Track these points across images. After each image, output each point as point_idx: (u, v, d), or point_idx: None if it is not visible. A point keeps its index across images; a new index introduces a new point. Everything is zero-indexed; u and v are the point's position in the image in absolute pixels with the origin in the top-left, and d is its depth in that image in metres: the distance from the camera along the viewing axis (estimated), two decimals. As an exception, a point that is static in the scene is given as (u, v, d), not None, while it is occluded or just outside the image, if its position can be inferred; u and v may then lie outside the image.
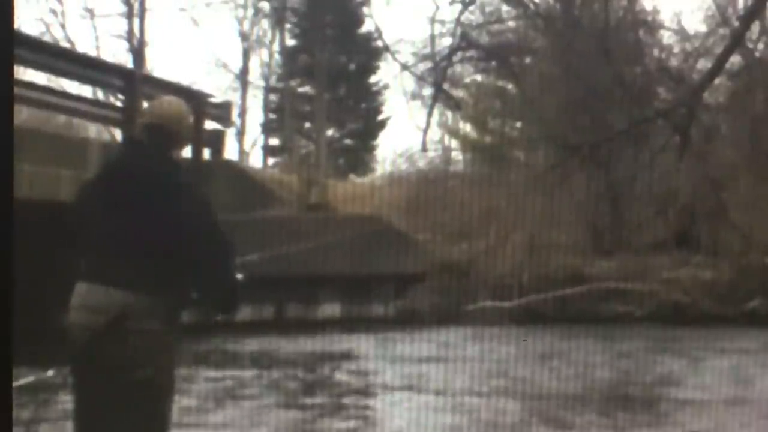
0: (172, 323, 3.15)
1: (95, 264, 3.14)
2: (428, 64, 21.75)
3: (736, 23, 16.76)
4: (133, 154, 3.32)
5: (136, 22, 27.52)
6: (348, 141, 29.56)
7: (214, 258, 3.18)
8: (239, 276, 3.37)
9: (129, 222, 3.11)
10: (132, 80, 11.75)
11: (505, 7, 21.72)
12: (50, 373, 3.26)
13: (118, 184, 3.20)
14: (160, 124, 3.29)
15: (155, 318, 3.06)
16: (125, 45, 27.71)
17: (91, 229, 3.22)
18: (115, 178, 3.24)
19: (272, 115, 31.02)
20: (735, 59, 17.33)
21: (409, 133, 40.73)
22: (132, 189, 3.15)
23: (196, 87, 16.53)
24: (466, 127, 25.71)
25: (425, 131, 22.44)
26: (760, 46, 18.66)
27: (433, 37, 20.66)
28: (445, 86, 21.35)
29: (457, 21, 20.18)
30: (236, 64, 31.18)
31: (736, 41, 16.06)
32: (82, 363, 3.13)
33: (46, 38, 23.05)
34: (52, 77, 15.03)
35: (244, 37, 30.60)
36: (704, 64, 17.93)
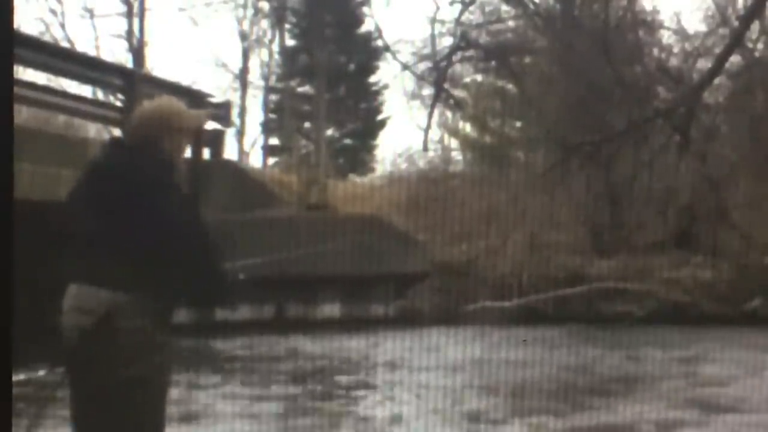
0: (163, 322, 3.15)
1: (83, 264, 3.15)
2: (428, 64, 21.81)
3: (736, 23, 16.77)
4: (117, 154, 3.31)
5: (135, 21, 27.55)
6: (348, 141, 29.55)
7: (199, 257, 3.16)
8: (240, 276, 3.37)
9: (113, 222, 3.11)
10: (132, 80, 11.76)
11: (504, 7, 21.74)
12: (41, 372, 3.28)
13: (101, 184, 3.19)
14: (145, 123, 3.28)
15: (144, 317, 3.05)
16: (125, 45, 27.76)
17: (79, 230, 3.22)
18: (99, 178, 3.23)
19: (272, 115, 31.02)
20: (735, 59, 17.33)
21: (409, 133, 40.76)
22: (115, 189, 3.14)
23: (195, 87, 16.54)
24: (466, 127, 25.74)
25: (426, 131, 22.51)
26: (760, 45, 18.67)
27: (433, 37, 20.73)
28: (445, 86, 21.39)
29: (457, 21, 20.24)
30: (236, 64, 31.24)
31: (736, 41, 16.06)
32: (75, 363, 3.14)
33: (46, 38, 23.05)
34: (52, 77, 15.03)
35: (243, 36, 30.62)
36: (704, 63, 17.92)
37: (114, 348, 3.02)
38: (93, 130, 17.40)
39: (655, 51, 19.14)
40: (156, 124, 3.27)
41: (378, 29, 28.26)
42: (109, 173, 3.21)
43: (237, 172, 15.92)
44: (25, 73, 12.32)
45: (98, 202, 3.17)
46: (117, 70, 13.36)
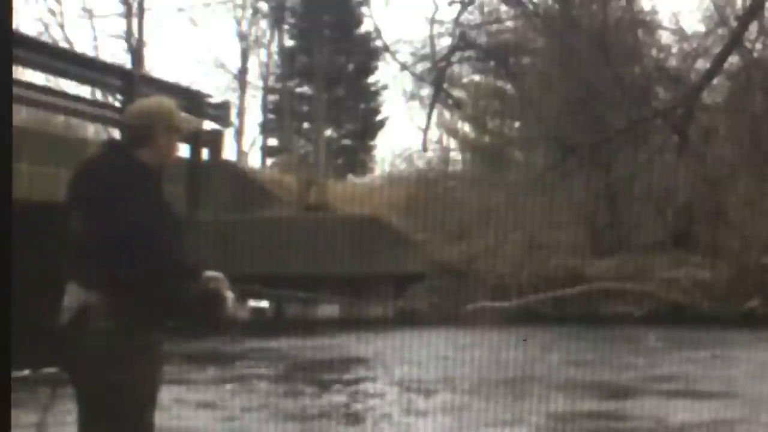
0: (142, 326, 3.04)
1: (71, 262, 3.12)
2: (427, 64, 21.80)
3: (735, 23, 16.78)
4: (102, 154, 3.29)
5: (134, 22, 27.53)
6: (347, 141, 29.55)
7: (168, 265, 3.04)
8: (264, 304, 3.27)
9: (90, 220, 3.07)
10: (130, 80, 11.77)
11: (503, 8, 21.72)
12: (25, 372, 3.23)
13: (83, 183, 3.18)
14: (130, 123, 3.26)
15: (120, 318, 2.97)
16: (124, 45, 27.73)
17: (67, 227, 3.20)
18: (82, 177, 3.21)
19: (271, 116, 31.01)
20: (733, 59, 17.34)
21: (408, 133, 40.70)
22: (94, 188, 3.11)
23: (194, 87, 16.49)
24: (465, 127, 25.74)
25: (425, 131, 22.49)
26: (759, 46, 18.67)
27: (432, 38, 20.70)
28: (444, 86, 21.39)
29: (456, 21, 20.21)
30: (235, 65, 31.19)
31: (735, 41, 16.08)
32: (58, 363, 3.11)
33: (45, 38, 23.03)
34: (51, 77, 15.03)
35: (242, 37, 30.60)
36: (702, 64, 17.93)
37: (87, 349, 2.97)
38: (91, 130, 17.41)
39: (654, 51, 19.16)
40: (146, 122, 3.23)
41: (377, 29, 28.18)
42: (91, 173, 3.19)
43: (236, 172, 15.94)
44: (23, 74, 12.32)
45: (79, 201, 3.16)
46: (116, 70, 13.35)
